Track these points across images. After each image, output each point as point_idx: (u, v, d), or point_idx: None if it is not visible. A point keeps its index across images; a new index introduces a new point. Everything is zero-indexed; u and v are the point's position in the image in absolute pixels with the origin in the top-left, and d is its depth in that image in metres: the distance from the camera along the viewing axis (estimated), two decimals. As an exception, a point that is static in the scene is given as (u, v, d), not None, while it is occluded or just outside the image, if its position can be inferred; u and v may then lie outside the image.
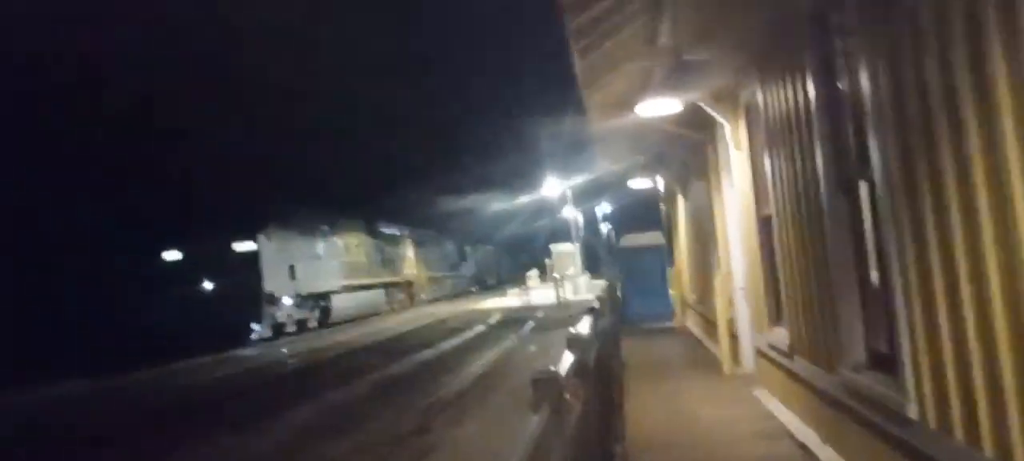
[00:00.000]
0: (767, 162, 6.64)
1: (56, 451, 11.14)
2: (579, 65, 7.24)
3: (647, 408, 8.17)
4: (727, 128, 8.05)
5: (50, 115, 31.31)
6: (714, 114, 8.01)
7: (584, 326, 4.34)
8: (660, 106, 8.38)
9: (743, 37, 6.56)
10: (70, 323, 23.14)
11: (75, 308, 24.65)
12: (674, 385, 9.62)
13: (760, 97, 6.62)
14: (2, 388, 17.28)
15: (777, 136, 6.20)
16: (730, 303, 9.89)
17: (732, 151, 8.22)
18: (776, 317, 7.49)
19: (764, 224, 7.34)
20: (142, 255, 26.49)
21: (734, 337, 9.92)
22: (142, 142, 35.04)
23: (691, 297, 15.42)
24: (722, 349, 10.11)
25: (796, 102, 5.53)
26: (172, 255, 27.23)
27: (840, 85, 4.87)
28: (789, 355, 6.63)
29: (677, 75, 7.58)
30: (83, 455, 10.69)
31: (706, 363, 11.08)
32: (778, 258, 6.72)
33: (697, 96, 7.93)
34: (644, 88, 8.45)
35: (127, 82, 35.29)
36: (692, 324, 15.75)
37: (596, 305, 6.17)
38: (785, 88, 5.79)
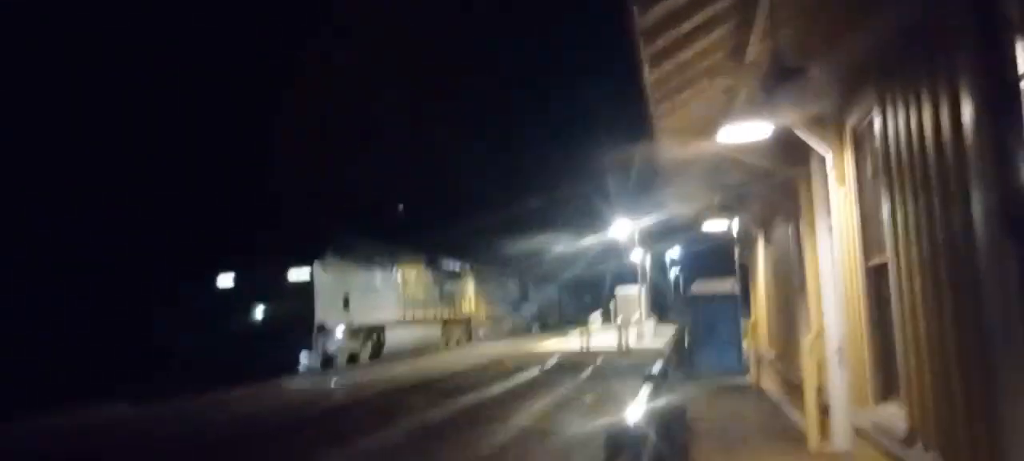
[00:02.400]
0: (884, 200, 5.27)
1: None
2: (649, 76, 6.05)
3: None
4: (828, 159, 6.68)
5: (102, 133, 31.69)
6: (811, 142, 6.65)
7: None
8: (744, 132, 7.07)
9: (858, 47, 5.27)
10: (116, 345, 22.82)
11: (122, 330, 24.40)
12: (749, 459, 8.17)
13: (878, 122, 5.27)
14: (45, 408, 16.79)
15: (902, 168, 4.85)
16: (821, 367, 8.40)
17: (832, 187, 6.84)
18: (886, 390, 6.05)
19: (874, 274, 5.95)
20: (196, 279, 26.11)
21: (824, 408, 8.41)
22: (202, 165, 35.22)
23: (769, 353, 13.84)
24: (809, 421, 8.60)
25: (936, 125, 4.20)
26: (226, 281, 26.77)
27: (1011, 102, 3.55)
28: (907, 443, 5.19)
29: (767, 95, 6.30)
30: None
31: (787, 434, 9.55)
32: (894, 317, 5.31)
33: (791, 121, 6.59)
34: (726, 111, 7.19)
35: (188, 102, 35.69)
36: (769, 383, 14.13)
37: (656, 370, 4.99)
38: (918, 108, 4.46)
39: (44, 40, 31.80)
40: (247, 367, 22.21)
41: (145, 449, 12.94)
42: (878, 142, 5.30)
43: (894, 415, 5.58)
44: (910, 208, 4.70)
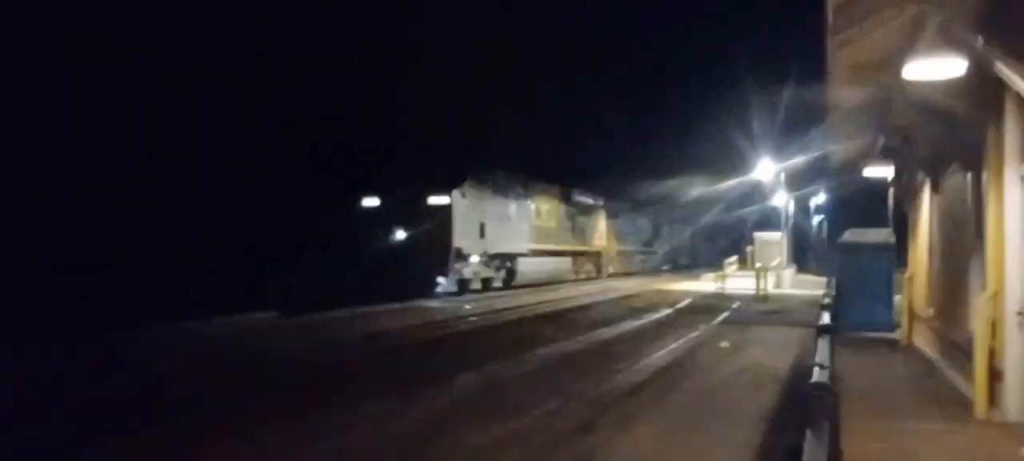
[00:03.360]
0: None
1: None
2: (833, 5, 5.49)
3: (867, 456, 6.31)
4: (1031, 99, 5.91)
5: (258, 54, 33.16)
6: (1015, 77, 5.88)
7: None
8: (933, 68, 6.35)
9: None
10: (267, 259, 24.24)
11: (273, 244, 25.87)
12: (904, 425, 7.60)
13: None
14: (198, 315, 18.13)
15: None
16: (995, 328, 7.66)
17: (1034, 131, 6.08)
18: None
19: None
20: (341, 199, 27.24)
21: (995, 373, 7.69)
22: (351, 89, 36.38)
23: (927, 310, 12.86)
24: (976, 385, 7.89)
25: None
26: (370, 201, 27.76)
27: None
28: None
29: (960, 24, 5.61)
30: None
31: (949, 398, 8.84)
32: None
33: (992, 54, 5.84)
34: (911, 43, 6.48)
35: (339, 31, 36.67)
36: (923, 342, 13.18)
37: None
38: None
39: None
40: (386, 287, 23.15)
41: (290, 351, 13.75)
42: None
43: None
44: None
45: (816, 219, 58.31)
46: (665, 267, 56.40)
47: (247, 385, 10.88)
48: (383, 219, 27.11)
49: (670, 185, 52.15)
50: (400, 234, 27.15)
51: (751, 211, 51.83)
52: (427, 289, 25.94)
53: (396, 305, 22.27)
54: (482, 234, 28.81)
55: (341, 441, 7.56)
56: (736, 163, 43.53)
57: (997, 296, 7.54)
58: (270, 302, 20.01)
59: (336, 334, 16.63)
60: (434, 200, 26.97)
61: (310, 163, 30.69)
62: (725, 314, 21.64)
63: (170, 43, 30.36)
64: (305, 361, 13.17)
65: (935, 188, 11.74)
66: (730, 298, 27.49)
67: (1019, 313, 7.17)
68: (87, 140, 26.15)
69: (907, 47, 6.25)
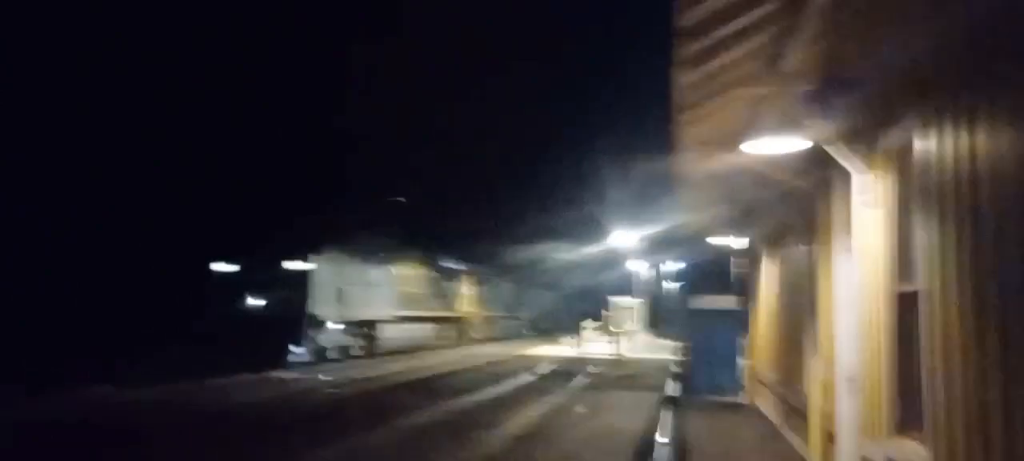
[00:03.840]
0: (923, 224, 4.99)
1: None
2: (680, 80, 5.75)
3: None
4: (858, 180, 6.39)
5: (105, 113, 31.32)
6: (843, 161, 6.36)
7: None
8: (771, 145, 6.79)
9: (908, 56, 4.98)
10: (108, 327, 22.48)
11: (116, 312, 24.09)
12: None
13: (931, 141, 4.97)
14: (36, 389, 16.44)
15: (945, 191, 4.56)
16: (827, 393, 8.11)
17: (858, 208, 6.56)
18: (905, 424, 5.77)
19: (903, 302, 5.67)
20: (193, 264, 25.87)
21: (830, 436, 8.12)
22: (202, 149, 34.82)
23: (769, 376, 13.55)
24: (812, 448, 8.33)
25: (993, 147, 3.92)
26: (222, 266, 26.54)
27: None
28: (930, 484, 4.91)
29: (803, 107, 6.03)
30: None
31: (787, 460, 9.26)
32: (923, 350, 5.03)
33: (823, 136, 6.30)
34: (753, 122, 6.90)
35: (192, 85, 35.23)
36: (765, 405, 13.85)
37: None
38: (971, 127, 4.17)
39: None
40: (240, 355, 21.92)
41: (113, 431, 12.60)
42: (922, 162, 5.01)
43: (915, 452, 5.30)
44: (954, 235, 4.42)
45: (671, 285, 60.95)
46: (528, 332, 56.98)
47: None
48: (236, 285, 25.88)
49: (531, 250, 53.10)
50: (253, 301, 26.00)
51: (611, 277, 53.52)
52: (282, 359, 24.80)
53: (249, 376, 21.05)
54: (340, 300, 28.00)
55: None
56: (594, 231, 45.02)
57: (829, 362, 8.01)
58: (104, 375, 18.42)
59: (174, 410, 15.44)
60: (290, 265, 26.07)
61: (157, 223, 28.92)
62: (582, 379, 21.96)
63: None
64: (138, 441, 12.10)
65: (775, 257, 12.50)
66: (587, 362, 28.02)
67: (849, 379, 7.61)
68: None
69: (747, 126, 6.65)
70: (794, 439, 10.23)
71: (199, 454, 10.83)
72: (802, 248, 9.73)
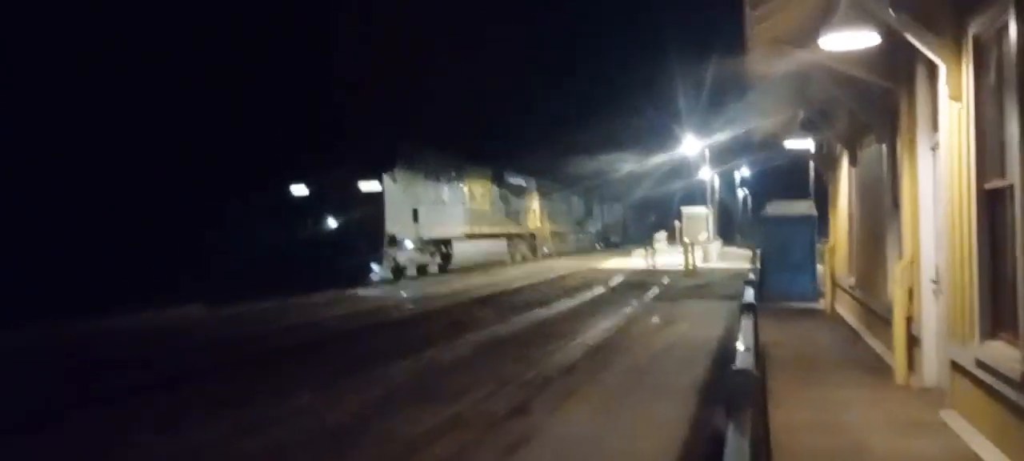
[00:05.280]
0: (1012, 116, 4.73)
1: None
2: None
3: (794, 426, 6.44)
4: (941, 71, 6.06)
5: (194, 43, 32.09)
6: (925, 50, 6.02)
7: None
8: (848, 39, 6.47)
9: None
10: (195, 250, 23.52)
11: (201, 235, 25.11)
12: (829, 393, 7.79)
13: (1014, 24, 4.67)
14: (122, 309, 17.45)
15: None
16: (912, 296, 7.91)
17: (943, 102, 6.24)
18: (995, 327, 5.59)
19: (991, 199, 5.43)
20: (271, 188, 26.51)
21: (914, 340, 7.96)
22: (275, 76, 35.43)
23: (848, 280, 13.27)
24: (896, 352, 8.16)
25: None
26: (299, 189, 27.10)
27: None
28: (1022, 386, 4.78)
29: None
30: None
31: (869, 365, 9.13)
32: (1018, 248, 4.83)
33: (903, 25, 5.96)
34: (828, 15, 6.58)
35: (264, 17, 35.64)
36: (845, 311, 13.61)
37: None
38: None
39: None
40: (322, 274, 22.67)
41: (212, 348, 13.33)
42: (1014, 48, 4.71)
43: (1005, 354, 5.15)
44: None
45: (741, 193, 59.73)
46: (598, 245, 57.07)
47: (172, 378, 10.48)
48: (313, 206, 26.53)
49: (600, 163, 52.70)
50: (331, 222, 26.65)
51: (679, 187, 52.82)
52: (362, 277, 25.56)
53: (331, 293, 21.85)
54: (416, 219, 28.50)
55: (269, 436, 7.33)
56: (663, 140, 44.26)
57: (913, 264, 7.78)
58: (198, 294, 19.39)
59: (265, 325, 16.20)
60: (365, 186, 26.51)
61: (236, 151, 29.80)
62: (655, 290, 21.98)
63: (87, 21, 28.96)
64: (235, 352, 12.79)
65: (853, 160, 12.07)
66: (659, 274, 27.97)
67: (934, 281, 7.40)
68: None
69: (822, 20, 6.35)
70: (876, 344, 10.05)
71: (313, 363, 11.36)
72: (883, 147, 9.35)
